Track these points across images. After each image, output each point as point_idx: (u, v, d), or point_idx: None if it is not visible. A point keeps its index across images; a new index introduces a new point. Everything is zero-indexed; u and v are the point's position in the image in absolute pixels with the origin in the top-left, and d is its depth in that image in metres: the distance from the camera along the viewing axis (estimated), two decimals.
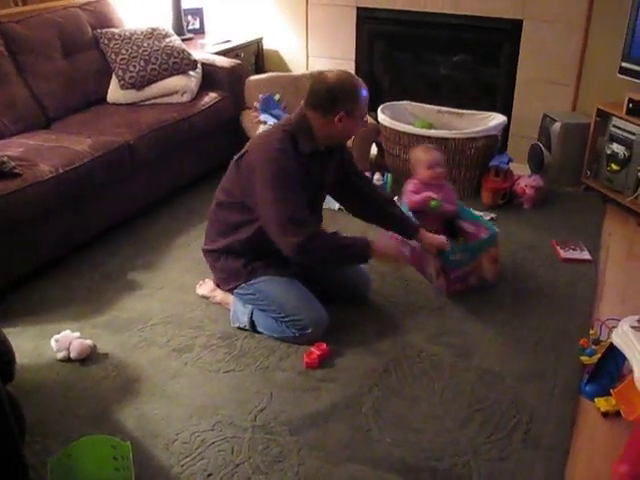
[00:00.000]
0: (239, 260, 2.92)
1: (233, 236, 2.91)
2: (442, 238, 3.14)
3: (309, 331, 2.80)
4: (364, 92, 2.78)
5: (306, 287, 2.92)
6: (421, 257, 3.32)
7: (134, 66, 4.11)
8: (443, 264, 3.16)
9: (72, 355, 2.75)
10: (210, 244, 3.03)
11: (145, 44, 4.20)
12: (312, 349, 2.76)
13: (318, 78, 2.78)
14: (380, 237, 3.02)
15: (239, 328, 2.95)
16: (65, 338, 2.79)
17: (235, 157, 2.86)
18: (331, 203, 4.06)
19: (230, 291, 2.99)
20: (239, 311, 2.95)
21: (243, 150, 2.83)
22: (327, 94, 2.72)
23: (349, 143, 4.31)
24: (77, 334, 2.83)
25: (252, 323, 2.91)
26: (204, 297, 3.16)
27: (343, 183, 3.11)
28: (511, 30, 4.54)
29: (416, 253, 3.33)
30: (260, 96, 4.43)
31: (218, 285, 3.08)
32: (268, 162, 2.69)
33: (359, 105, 2.77)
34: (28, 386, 2.58)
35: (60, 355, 2.77)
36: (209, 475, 2.20)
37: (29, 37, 3.87)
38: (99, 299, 3.16)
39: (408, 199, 3.46)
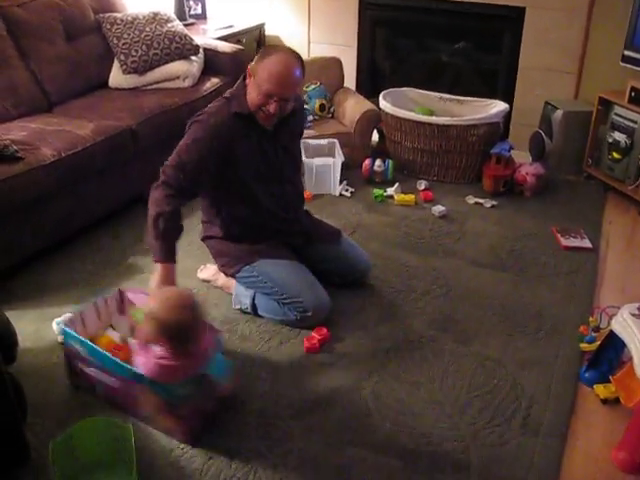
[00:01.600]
0: (237, 244, 2.93)
1: (219, 221, 2.95)
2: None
3: (310, 314, 2.80)
4: (279, 60, 2.65)
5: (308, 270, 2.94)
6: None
7: (136, 51, 4.10)
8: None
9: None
10: (206, 231, 3.05)
11: (147, 29, 4.19)
12: (312, 334, 2.77)
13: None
14: (166, 275, 2.58)
15: (241, 311, 2.96)
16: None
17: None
18: (332, 189, 4.08)
19: (233, 275, 3.00)
20: (241, 294, 2.96)
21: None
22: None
23: (351, 129, 4.32)
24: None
25: (254, 306, 2.91)
26: (205, 281, 3.16)
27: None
28: (513, 17, 4.53)
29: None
30: None
31: (224, 272, 3.07)
32: (195, 124, 2.76)
33: (261, 70, 2.65)
34: (30, 368, 2.58)
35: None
36: (210, 458, 2.22)
37: (31, 21, 3.85)
38: (100, 283, 3.16)
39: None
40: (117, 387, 2.34)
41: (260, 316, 2.93)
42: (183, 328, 2.16)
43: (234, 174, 2.81)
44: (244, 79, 2.79)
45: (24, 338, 2.71)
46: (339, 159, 4.04)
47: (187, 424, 2.27)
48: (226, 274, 3.05)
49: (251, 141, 2.80)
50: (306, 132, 4.33)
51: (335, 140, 4.23)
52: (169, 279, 2.58)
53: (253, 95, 2.70)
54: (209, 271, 3.17)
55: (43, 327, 2.84)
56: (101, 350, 2.33)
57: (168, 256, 2.61)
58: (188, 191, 2.76)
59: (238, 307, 2.97)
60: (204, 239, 3.08)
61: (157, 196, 2.68)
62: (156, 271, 2.59)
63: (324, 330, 2.79)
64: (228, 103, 2.77)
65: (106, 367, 2.32)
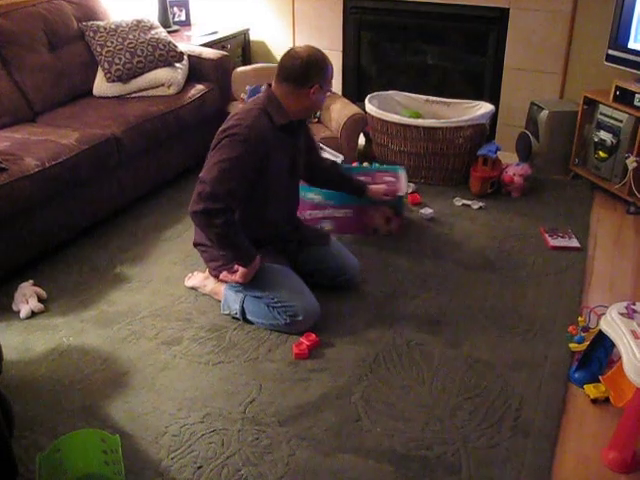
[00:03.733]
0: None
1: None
2: (383, 187, 3.51)
3: (300, 318, 2.79)
4: (330, 63, 2.88)
5: (297, 274, 2.96)
6: (358, 218, 3.59)
7: (120, 59, 4.09)
8: (396, 208, 3.58)
9: (32, 306, 2.98)
10: (200, 237, 3.02)
11: (131, 36, 4.17)
12: (301, 340, 2.76)
13: (290, 54, 2.83)
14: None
15: (229, 317, 2.95)
16: (20, 297, 2.99)
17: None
18: None
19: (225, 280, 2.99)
20: (230, 299, 2.94)
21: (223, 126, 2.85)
22: (301, 68, 2.78)
23: (337, 134, 4.32)
24: (26, 283, 3.09)
25: (243, 310, 2.90)
26: (193, 289, 3.15)
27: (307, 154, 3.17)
28: (498, 18, 4.54)
29: (347, 218, 3.59)
30: (247, 87, 4.41)
31: (215, 276, 3.06)
32: (232, 138, 2.72)
33: (328, 78, 2.87)
34: (16, 381, 2.57)
35: (24, 312, 2.93)
36: (199, 467, 2.20)
37: (14, 30, 3.83)
38: (87, 293, 3.14)
39: None
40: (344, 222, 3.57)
41: (249, 322, 2.91)
42: None
43: (259, 185, 2.85)
44: (269, 91, 2.85)
45: (10, 350, 2.70)
46: (339, 159, 4.05)
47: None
48: (217, 278, 3.04)
49: (284, 150, 2.88)
50: None
51: (320, 142, 4.22)
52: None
53: (322, 100, 2.92)
54: (197, 278, 3.15)
55: (30, 339, 2.82)
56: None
57: (252, 250, 2.83)
58: (232, 208, 2.77)
59: (227, 312, 2.96)
60: (197, 245, 3.07)
61: (209, 225, 2.71)
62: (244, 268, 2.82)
63: (313, 336, 2.78)
64: (266, 115, 2.79)
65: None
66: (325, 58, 2.84)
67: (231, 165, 2.70)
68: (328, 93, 3.00)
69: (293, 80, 2.79)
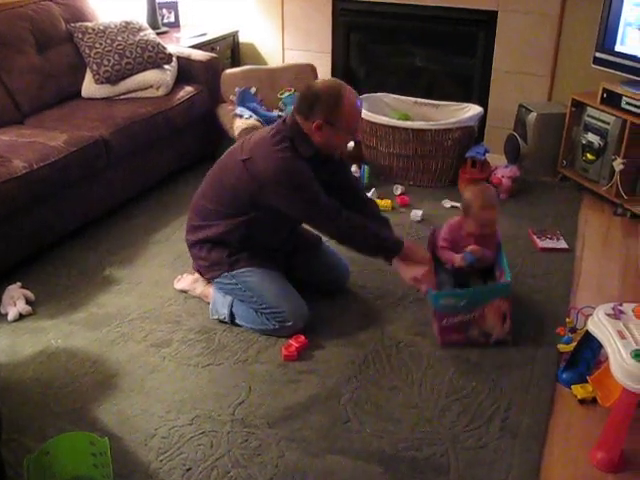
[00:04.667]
0: (224, 250, 2.91)
1: (219, 228, 2.89)
2: (420, 270, 2.85)
3: (289, 324, 2.80)
4: (351, 102, 2.71)
5: (286, 277, 2.95)
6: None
7: (108, 60, 4.08)
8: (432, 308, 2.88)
9: (20, 308, 2.98)
10: (193, 235, 3.00)
11: (119, 38, 4.17)
12: (290, 342, 2.76)
13: (308, 84, 2.82)
14: (410, 254, 2.86)
15: (218, 320, 2.94)
16: (8, 299, 3.00)
17: (240, 158, 2.80)
18: None
19: (211, 280, 2.99)
20: (219, 303, 2.94)
21: (247, 154, 2.78)
22: (308, 99, 2.72)
23: None
24: (14, 285, 3.09)
25: (231, 315, 2.90)
26: (183, 291, 3.15)
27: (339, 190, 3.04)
28: (486, 21, 4.55)
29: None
30: (236, 89, 4.41)
31: (200, 273, 3.05)
32: (281, 175, 2.69)
33: (341, 116, 2.70)
34: (4, 383, 2.56)
35: (12, 315, 2.93)
36: (188, 469, 2.20)
37: (1, 32, 3.81)
38: (76, 295, 3.13)
39: (440, 248, 3.12)
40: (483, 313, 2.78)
41: (238, 325, 2.91)
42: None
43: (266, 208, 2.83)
44: (293, 120, 2.76)
45: None
46: None
47: (445, 334, 2.82)
48: (203, 277, 3.04)
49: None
50: None
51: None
52: (415, 254, 2.88)
53: (339, 140, 2.80)
54: (186, 281, 3.15)
55: (18, 342, 2.81)
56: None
57: (397, 243, 2.88)
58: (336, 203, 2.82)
59: (215, 317, 2.95)
60: (188, 242, 3.04)
61: (342, 225, 2.81)
62: (400, 265, 2.88)
63: (302, 338, 2.78)
64: (293, 148, 2.73)
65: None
66: (339, 93, 2.69)
67: (305, 186, 2.73)
68: (355, 133, 2.83)
69: (300, 111, 2.74)
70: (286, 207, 2.78)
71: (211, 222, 2.91)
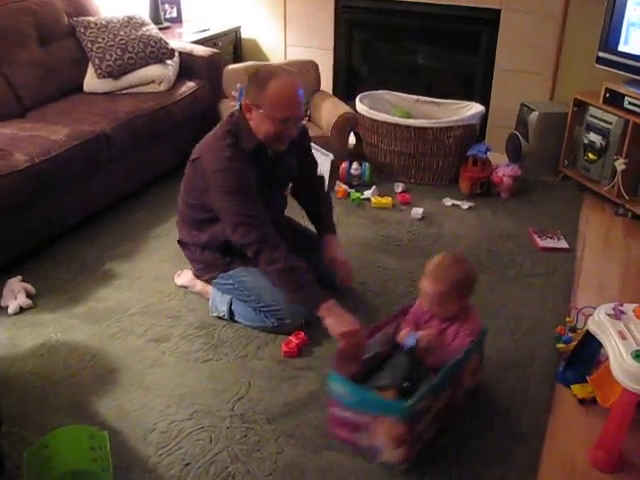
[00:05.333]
0: (215, 252, 2.92)
1: (203, 232, 2.91)
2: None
3: (288, 321, 2.79)
4: (279, 88, 2.63)
5: None
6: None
7: (111, 55, 4.07)
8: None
9: (21, 302, 2.97)
10: (184, 237, 3.03)
11: (122, 33, 4.16)
12: (290, 338, 2.76)
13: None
14: (335, 313, 2.52)
15: (217, 317, 2.94)
16: (9, 292, 3.01)
17: (190, 158, 2.83)
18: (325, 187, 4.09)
19: (208, 281, 2.98)
20: (217, 300, 2.94)
21: (196, 153, 2.80)
22: (248, 80, 2.73)
23: (327, 132, 4.31)
24: (15, 279, 3.08)
25: (231, 312, 2.90)
26: (183, 286, 3.14)
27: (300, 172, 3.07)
28: (489, 20, 4.55)
29: None
30: (238, 85, 4.39)
31: (197, 276, 3.06)
32: (219, 172, 2.67)
33: (266, 99, 2.63)
34: (4, 377, 2.56)
35: (12, 308, 2.93)
36: (187, 464, 2.20)
37: (4, 25, 3.81)
38: (76, 289, 3.13)
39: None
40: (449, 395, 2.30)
41: (237, 322, 2.91)
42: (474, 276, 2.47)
43: None
44: (241, 112, 2.75)
45: None
46: (329, 157, 4.07)
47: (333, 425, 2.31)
48: (201, 279, 3.03)
49: (259, 170, 2.77)
50: None
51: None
52: (341, 313, 2.52)
53: (267, 127, 2.68)
54: (187, 276, 3.15)
55: (18, 335, 2.81)
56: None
57: (321, 297, 2.56)
58: (269, 224, 2.69)
59: (215, 314, 2.95)
60: (180, 244, 3.06)
61: (264, 262, 2.64)
62: (325, 316, 2.52)
63: (302, 334, 2.77)
64: (235, 140, 2.71)
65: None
66: (269, 76, 2.64)
67: (235, 199, 2.65)
68: (284, 124, 2.65)
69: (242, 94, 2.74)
70: (218, 210, 2.72)
71: (194, 231, 2.94)
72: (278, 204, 3.08)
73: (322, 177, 3.29)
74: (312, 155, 3.17)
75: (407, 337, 2.37)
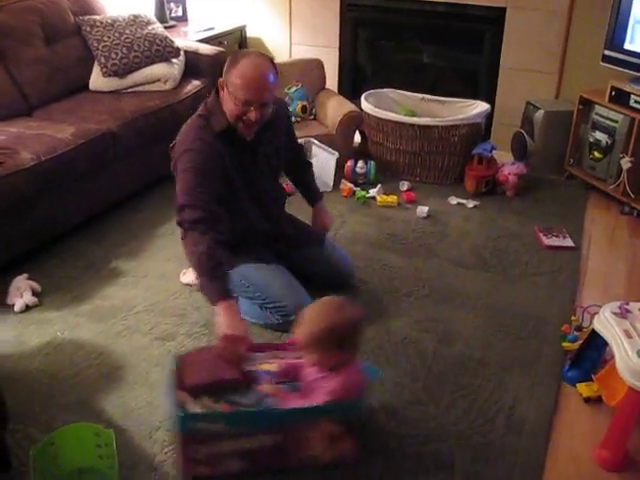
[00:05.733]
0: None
1: None
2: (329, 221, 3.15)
3: (293, 318, 2.78)
4: (244, 68, 2.57)
5: (291, 272, 2.94)
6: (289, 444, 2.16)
7: (116, 53, 4.08)
8: (348, 421, 2.18)
9: (27, 300, 2.98)
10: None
11: (127, 31, 4.17)
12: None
13: None
14: (230, 314, 2.37)
15: None
16: (15, 290, 3.02)
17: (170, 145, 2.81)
18: (329, 185, 4.10)
19: None
20: None
21: (174, 142, 2.79)
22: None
23: (333, 131, 4.32)
24: (21, 277, 3.09)
25: None
26: (188, 285, 3.15)
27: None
28: (494, 18, 4.54)
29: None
30: None
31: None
32: (185, 153, 2.66)
33: (232, 78, 2.59)
34: (10, 374, 2.56)
35: (19, 306, 2.94)
36: None
37: (10, 24, 3.82)
38: (82, 287, 3.14)
39: None
40: (274, 443, 2.12)
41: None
42: (351, 326, 2.15)
43: (227, 189, 2.77)
44: (217, 93, 2.73)
45: (4, 344, 2.70)
46: (334, 156, 4.09)
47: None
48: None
49: (235, 154, 2.75)
50: None
51: (311, 139, 4.25)
52: (234, 317, 2.39)
53: (231, 106, 2.63)
54: (192, 275, 3.14)
55: (24, 332, 2.82)
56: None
57: (223, 294, 2.43)
58: (215, 213, 2.60)
59: None
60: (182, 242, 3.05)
61: (190, 242, 2.52)
62: (218, 314, 2.37)
63: None
64: (207, 123, 2.70)
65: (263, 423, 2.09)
66: (239, 59, 2.60)
67: (191, 179, 2.61)
68: (245, 106, 2.59)
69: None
70: (177, 190, 2.65)
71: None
72: (267, 191, 2.98)
73: (302, 145, 3.34)
74: (293, 131, 3.15)
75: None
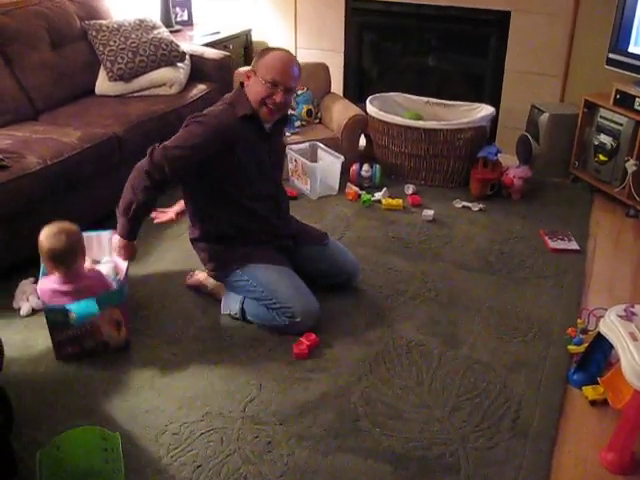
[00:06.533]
0: (227, 247, 2.94)
1: (210, 225, 2.97)
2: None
3: (299, 320, 2.80)
4: (275, 53, 2.79)
5: (296, 272, 2.96)
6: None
7: (122, 58, 4.09)
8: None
9: (33, 303, 3.00)
10: (193, 233, 3.05)
11: (133, 36, 4.18)
12: (301, 339, 2.76)
13: None
14: (124, 247, 2.89)
15: (229, 316, 2.96)
16: (21, 294, 3.05)
17: None
18: (334, 188, 4.12)
19: (223, 279, 3.00)
20: (230, 299, 2.96)
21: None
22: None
23: (338, 134, 4.33)
24: (27, 280, 3.12)
25: (242, 311, 2.91)
26: (194, 287, 3.15)
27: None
28: (499, 21, 4.55)
29: None
30: None
31: (212, 275, 3.06)
32: (197, 119, 2.78)
33: (262, 62, 2.78)
34: (17, 378, 2.57)
35: (25, 310, 2.96)
36: (199, 466, 2.20)
37: (16, 28, 3.84)
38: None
39: None
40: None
41: (249, 322, 2.92)
42: (58, 251, 2.65)
43: (232, 177, 2.85)
44: (242, 86, 2.86)
45: (10, 348, 2.70)
46: (340, 160, 4.10)
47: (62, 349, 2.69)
48: (215, 278, 3.04)
49: (251, 143, 2.85)
50: (292, 137, 4.35)
51: (316, 142, 4.27)
52: (127, 251, 2.91)
53: (257, 89, 2.77)
54: (198, 278, 3.16)
55: (30, 337, 2.83)
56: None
57: (130, 235, 2.87)
58: (168, 185, 2.84)
59: (227, 312, 2.96)
60: (192, 241, 3.07)
61: (137, 182, 2.79)
62: (116, 239, 2.89)
63: (313, 336, 2.78)
64: (232, 107, 2.81)
65: None
66: (271, 49, 2.84)
67: (185, 144, 2.75)
68: (272, 87, 2.74)
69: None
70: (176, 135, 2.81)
71: (203, 223, 3.00)
72: (279, 184, 3.13)
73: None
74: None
75: None
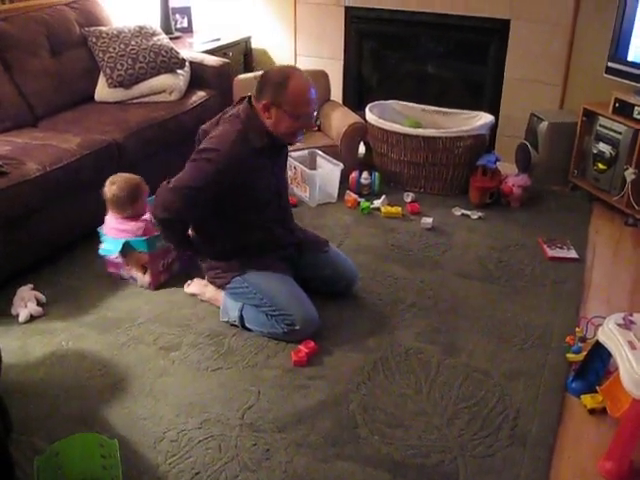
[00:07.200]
0: (228, 255, 2.95)
1: (215, 241, 2.98)
2: None
3: (298, 327, 2.80)
4: (298, 85, 2.71)
5: (295, 279, 2.96)
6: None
7: (122, 64, 4.10)
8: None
9: (31, 310, 3.00)
10: (200, 250, 3.07)
11: (133, 42, 4.19)
12: (300, 347, 2.76)
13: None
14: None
15: (228, 324, 2.95)
16: (19, 300, 3.02)
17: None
18: (334, 196, 4.13)
19: (222, 287, 3.00)
20: (229, 306, 2.95)
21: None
22: (260, 81, 2.77)
23: (337, 142, 4.33)
24: (25, 287, 3.11)
25: (241, 318, 2.91)
26: (192, 295, 3.15)
27: None
28: (499, 30, 4.56)
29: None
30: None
31: (213, 283, 3.07)
32: (207, 159, 2.73)
33: (286, 97, 2.70)
34: (14, 385, 2.57)
35: (23, 316, 2.95)
36: (197, 473, 2.20)
37: (16, 35, 3.84)
38: (86, 298, 3.15)
39: None
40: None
41: (247, 329, 2.92)
42: (116, 198, 3.20)
43: (248, 200, 2.85)
44: (250, 112, 2.79)
45: (8, 354, 2.69)
46: (339, 167, 4.10)
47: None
48: (216, 285, 3.04)
49: (265, 166, 2.85)
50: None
51: (315, 150, 4.28)
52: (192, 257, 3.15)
53: (288, 123, 2.75)
54: (196, 285, 3.16)
55: (28, 343, 2.83)
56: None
57: (191, 249, 3.08)
58: (188, 219, 2.97)
59: (226, 319, 2.96)
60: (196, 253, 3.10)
61: (164, 234, 3.03)
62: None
63: (311, 343, 2.78)
64: (244, 136, 2.75)
65: None
66: (287, 75, 2.72)
67: (206, 182, 2.73)
68: (306, 120, 2.81)
69: (254, 95, 2.79)
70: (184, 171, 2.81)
71: (202, 242, 3.04)
72: (286, 197, 3.14)
73: None
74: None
75: None
